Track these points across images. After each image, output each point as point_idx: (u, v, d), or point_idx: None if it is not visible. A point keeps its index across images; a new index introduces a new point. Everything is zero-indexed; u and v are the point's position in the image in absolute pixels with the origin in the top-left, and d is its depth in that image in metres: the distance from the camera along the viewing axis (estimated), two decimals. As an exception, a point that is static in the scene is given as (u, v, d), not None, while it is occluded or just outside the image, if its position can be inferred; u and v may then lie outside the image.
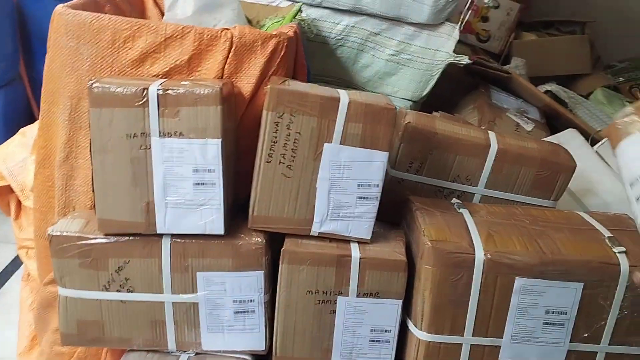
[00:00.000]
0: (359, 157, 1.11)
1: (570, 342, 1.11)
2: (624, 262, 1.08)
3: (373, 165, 1.11)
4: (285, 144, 1.10)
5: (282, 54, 1.17)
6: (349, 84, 1.77)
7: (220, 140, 1.06)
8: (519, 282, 1.08)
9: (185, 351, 1.18)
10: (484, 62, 1.88)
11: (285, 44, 1.16)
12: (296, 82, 1.16)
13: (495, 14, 2.81)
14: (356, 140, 1.10)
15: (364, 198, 1.13)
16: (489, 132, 1.38)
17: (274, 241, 1.18)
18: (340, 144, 1.10)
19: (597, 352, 1.12)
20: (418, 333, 1.13)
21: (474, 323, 1.11)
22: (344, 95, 1.10)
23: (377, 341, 1.16)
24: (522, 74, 2.71)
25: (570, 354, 1.12)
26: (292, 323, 1.15)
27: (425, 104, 1.84)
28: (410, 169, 1.34)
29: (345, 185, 1.12)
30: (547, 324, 1.10)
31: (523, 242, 1.11)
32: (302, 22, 1.44)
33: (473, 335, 1.11)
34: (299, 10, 1.46)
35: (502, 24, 2.82)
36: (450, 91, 1.97)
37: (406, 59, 1.72)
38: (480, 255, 1.08)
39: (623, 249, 1.09)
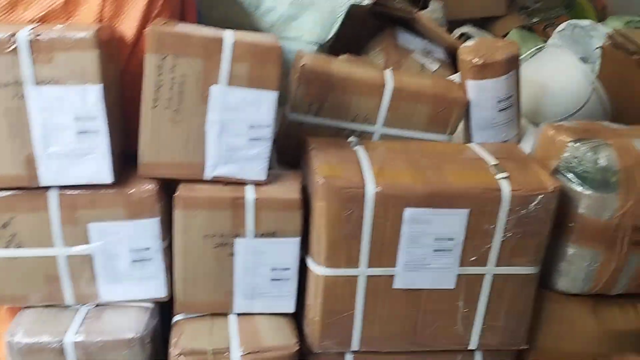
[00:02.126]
0: (248, 98, 1.10)
1: (460, 266, 1.17)
2: (505, 188, 1.13)
3: (263, 105, 1.11)
4: (171, 87, 1.07)
5: (164, -6, 1.13)
6: (253, 29, 1.74)
7: (100, 85, 1.03)
8: (408, 212, 1.12)
9: (84, 304, 1.17)
10: (387, 3, 1.88)
11: (166, -16, 1.12)
12: (181, 24, 1.13)
13: (413, -42, 2.79)
14: (244, 80, 1.09)
15: (256, 139, 1.13)
16: (385, 71, 1.39)
17: (171, 188, 1.17)
18: (228, 85, 1.09)
19: (484, 274, 1.18)
20: (316, 268, 1.16)
21: (369, 255, 1.14)
22: (229, 35, 1.08)
23: (278, 280, 1.19)
24: (439, 17, 2.73)
25: (461, 278, 1.18)
26: (192, 268, 1.16)
27: (334, 48, 1.84)
28: (309, 112, 1.35)
29: (236, 127, 1.11)
30: (437, 250, 1.15)
31: (412, 174, 1.15)
32: (192, -37, 1.38)
33: (368, 267, 1.15)
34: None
35: (420, -32, 2.80)
36: (357, 34, 1.97)
37: (309, 1, 1.70)
38: (370, 189, 1.11)
39: (505, 175, 1.15)
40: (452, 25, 2.69)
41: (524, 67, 1.64)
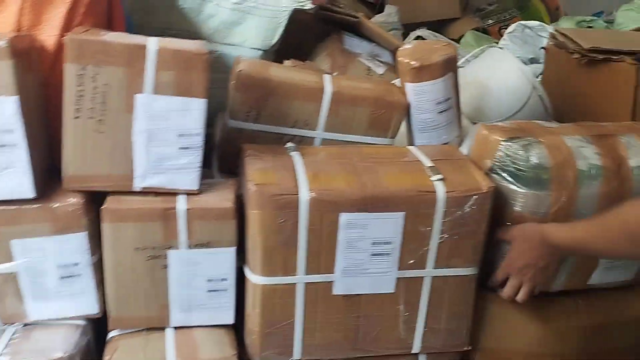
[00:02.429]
0: (175, 106, 1.08)
1: (399, 269, 1.16)
2: (440, 189, 1.12)
3: (191, 113, 1.09)
4: (94, 97, 1.04)
5: (86, 1, 1.10)
6: (196, 35, 1.71)
7: (16, 97, 0.99)
8: (343, 217, 1.11)
9: (11, 324, 1.12)
10: (331, 7, 1.87)
11: (88, -9, 1.09)
12: (105, 33, 1.10)
13: (369, -36, 2.80)
14: (170, 88, 1.07)
15: (187, 148, 1.11)
16: (324, 75, 1.38)
17: (100, 200, 1.14)
18: (153, 93, 1.06)
19: (423, 277, 1.17)
20: (253, 278, 1.14)
21: (306, 262, 1.13)
22: (152, 43, 1.06)
23: (215, 291, 1.16)
24: (394, 21, 2.74)
25: (400, 281, 1.17)
26: (124, 282, 1.13)
27: (281, 53, 1.82)
28: (249, 118, 1.33)
29: (165, 136, 1.09)
30: (374, 254, 1.14)
31: (348, 179, 1.13)
32: (123, -30, 1.36)
33: (306, 274, 1.13)
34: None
35: (375, -27, 2.82)
36: (304, 39, 1.96)
37: (251, 6, 1.68)
38: (304, 195, 1.09)
39: (440, 176, 1.14)
40: (408, 29, 2.71)
41: (467, 69, 1.65)
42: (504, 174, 1.17)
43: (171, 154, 1.10)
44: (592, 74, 1.58)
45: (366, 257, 1.14)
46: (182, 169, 1.11)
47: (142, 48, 1.04)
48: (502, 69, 1.53)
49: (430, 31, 2.70)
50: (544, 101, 1.51)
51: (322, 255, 1.13)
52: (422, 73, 1.33)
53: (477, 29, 3.01)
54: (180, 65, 1.05)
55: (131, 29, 1.30)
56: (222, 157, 1.38)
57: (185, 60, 1.05)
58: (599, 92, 1.57)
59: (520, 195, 1.16)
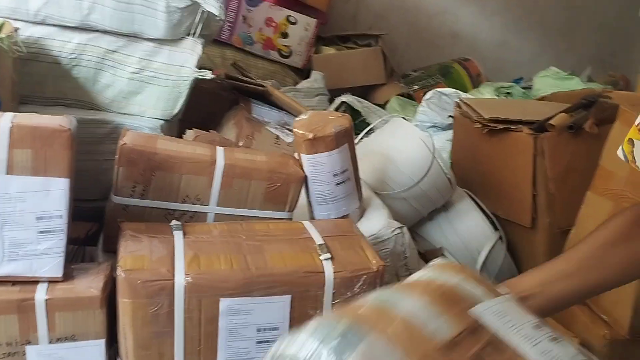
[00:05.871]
0: (33, 186, 0.98)
1: (288, 358, 1.07)
2: (328, 269, 1.06)
3: (52, 194, 0.99)
4: (-63, 179, 0.94)
5: None
6: (92, 105, 1.64)
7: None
8: (224, 303, 1.02)
9: None
10: (237, 76, 1.85)
11: None
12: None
13: (294, 30, 2.86)
14: (26, 168, 0.97)
15: (47, 232, 1.01)
16: (217, 148, 1.32)
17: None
18: (7, 174, 0.97)
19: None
20: (126, 373, 1.02)
21: (184, 353, 1.03)
22: (5, 119, 0.97)
23: (82, 390, 1.04)
24: (320, 87, 2.76)
25: (290, 370, 1.07)
26: (-27, 386, 0.99)
27: (190, 122, 1.76)
28: (134, 194, 1.24)
29: (21, 219, 0.99)
30: (260, 342, 1.06)
31: (230, 260, 1.06)
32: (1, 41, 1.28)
33: (185, 367, 1.03)
34: (-3, 28, 1.30)
35: (302, 39, 2.87)
36: (213, 107, 1.91)
37: (150, 76, 1.63)
38: (180, 280, 1.00)
39: (328, 255, 1.08)
40: (334, 94, 2.73)
41: (371, 139, 1.63)
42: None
43: (29, 239, 0.99)
44: (494, 143, 1.59)
45: (251, 345, 1.05)
46: (43, 255, 1.01)
47: (-6, 125, 0.95)
48: (403, 139, 1.52)
49: (355, 97, 2.72)
50: (444, 170, 1.49)
51: (203, 345, 1.04)
52: (317, 144, 1.29)
53: (402, 95, 3.07)
54: (38, 142, 0.97)
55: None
56: (107, 235, 1.28)
57: (44, 137, 0.97)
58: (501, 159, 1.58)
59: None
